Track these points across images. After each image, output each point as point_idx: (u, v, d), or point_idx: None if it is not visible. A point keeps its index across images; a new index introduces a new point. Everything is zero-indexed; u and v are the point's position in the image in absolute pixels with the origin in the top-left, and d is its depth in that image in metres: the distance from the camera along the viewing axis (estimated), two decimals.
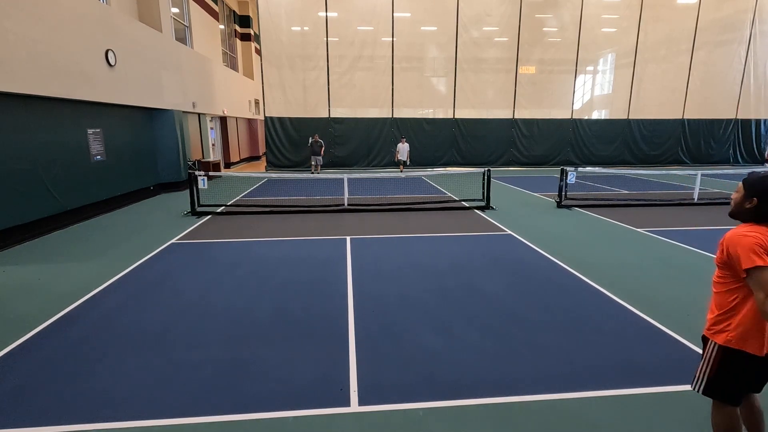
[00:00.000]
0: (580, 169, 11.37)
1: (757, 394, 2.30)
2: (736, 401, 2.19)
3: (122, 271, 5.77)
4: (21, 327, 4.19)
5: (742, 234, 2.00)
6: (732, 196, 2.18)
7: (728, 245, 2.04)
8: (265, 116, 18.70)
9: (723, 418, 2.24)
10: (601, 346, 3.80)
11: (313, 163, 17.28)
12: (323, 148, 17.33)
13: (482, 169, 10.64)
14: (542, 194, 12.21)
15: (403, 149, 17.70)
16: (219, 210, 9.84)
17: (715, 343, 2.17)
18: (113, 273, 5.71)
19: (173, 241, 7.34)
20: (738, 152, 21.25)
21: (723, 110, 20.70)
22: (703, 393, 2.24)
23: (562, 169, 10.36)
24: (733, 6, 19.47)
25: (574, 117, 20.32)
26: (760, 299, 1.90)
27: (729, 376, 2.14)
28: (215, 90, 17.48)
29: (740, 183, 2.14)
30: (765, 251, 1.93)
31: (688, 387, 2.74)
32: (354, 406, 3.00)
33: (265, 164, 19.82)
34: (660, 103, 20.27)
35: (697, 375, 2.26)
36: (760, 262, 1.91)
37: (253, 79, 24.65)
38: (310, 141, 17.23)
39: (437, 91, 19.85)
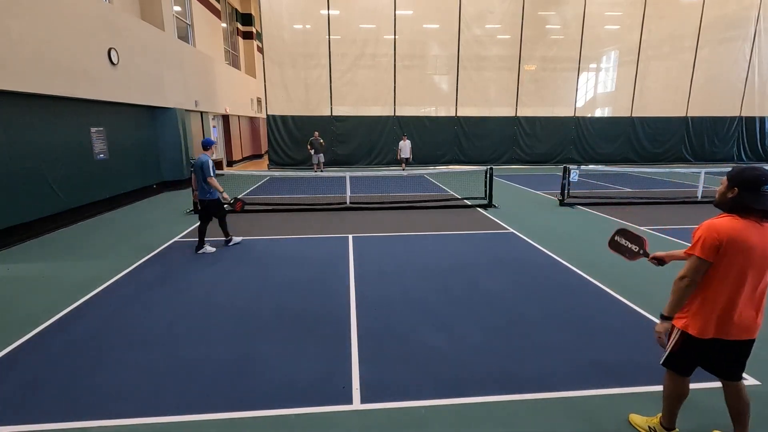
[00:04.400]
0: (582, 167, 11.33)
1: (743, 382, 2.44)
2: (687, 373, 2.46)
3: (125, 269, 5.80)
4: (26, 324, 4.21)
5: (714, 221, 2.21)
6: (717, 189, 2.34)
7: (698, 228, 2.26)
8: (267, 114, 18.69)
9: (674, 383, 2.50)
10: (604, 344, 3.79)
11: (314, 161, 17.27)
12: (324, 146, 17.30)
13: (484, 167, 10.62)
14: (545, 192, 12.18)
15: (405, 147, 17.69)
16: None
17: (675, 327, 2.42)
18: (116, 271, 5.73)
19: (176, 239, 7.36)
20: (742, 150, 21.11)
21: (727, 108, 20.56)
22: (662, 364, 2.50)
23: (564, 167, 10.32)
24: (737, 3, 19.31)
25: (576, 115, 20.22)
26: (680, 276, 2.24)
27: (682, 353, 2.39)
28: (217, 88, 17.48)
29: (725, 177, 2.30)
30: (716, 250, 2.14)
31: (691, 386, 2.75)
32: (356, 404, 3.01)
33: (267, 162, 19.83)
34: (663, 100, 20.14)
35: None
36: (698, 253, 2.17)
37: (255, 78, 24.64)
38: (310, 139, 17.21)
39: (439, 89, 19.80)
